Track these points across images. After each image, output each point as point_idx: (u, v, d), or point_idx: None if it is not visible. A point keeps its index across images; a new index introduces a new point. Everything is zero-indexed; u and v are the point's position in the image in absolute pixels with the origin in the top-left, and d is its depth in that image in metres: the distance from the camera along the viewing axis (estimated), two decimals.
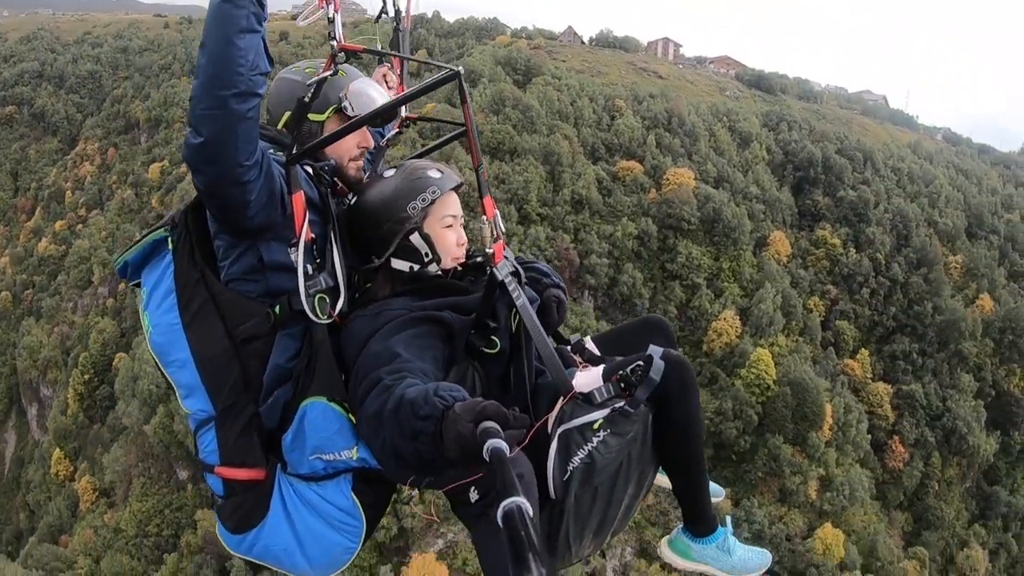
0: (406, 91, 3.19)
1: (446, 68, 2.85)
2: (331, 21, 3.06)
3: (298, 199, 2.83)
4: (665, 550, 3.35)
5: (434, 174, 2.94)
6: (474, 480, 2.64)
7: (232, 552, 3.01)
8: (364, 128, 3.15)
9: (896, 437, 71.38)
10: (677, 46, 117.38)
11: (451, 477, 2.67)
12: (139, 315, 3.04)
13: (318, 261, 2.86)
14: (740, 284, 72.36)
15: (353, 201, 3.00)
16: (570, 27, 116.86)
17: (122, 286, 76.36)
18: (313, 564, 2.89)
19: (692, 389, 2.99)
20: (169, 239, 2.90)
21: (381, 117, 3.32)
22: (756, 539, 48.06)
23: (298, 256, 2.81)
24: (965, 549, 70.15)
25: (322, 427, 2.73)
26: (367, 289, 3.02)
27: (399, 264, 2.94)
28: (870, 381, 73.77)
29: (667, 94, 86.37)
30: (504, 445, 1.82)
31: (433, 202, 2.92)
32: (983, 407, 74.96)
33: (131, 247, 3.00)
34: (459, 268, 3.08)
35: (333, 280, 2.84)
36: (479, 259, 3.04)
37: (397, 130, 3.62)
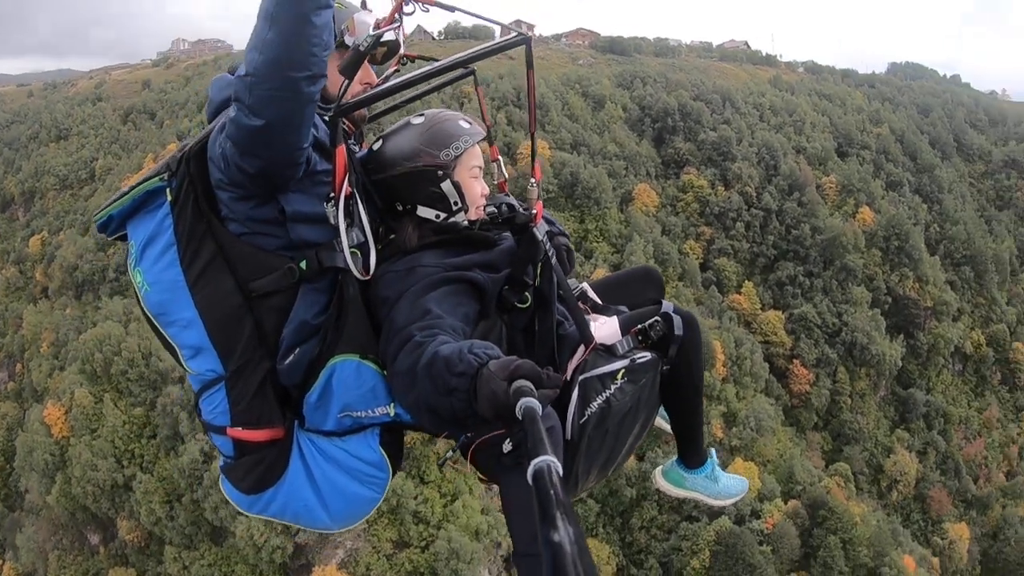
0: (471, 50, 3.05)
1: (516, 32, 2.90)
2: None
3: (341, 153, 2.78)
4: (660, 480, 3.76)
5: (464, 124, 2.98)
6: (509, 432, 2.75)
7: (243, 512, 3.02)
8: (367, 64, 3.02)
9: (796, 360, 73.82)
10: (530, 26, 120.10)
11: (487, 429, 2.76)
12: (129, 272, 2.91)
13: (349, 217, 2.80)
14: (609, 242, 74.50)
15: (378, 146, 3.00)
16: (419, 25, 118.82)
17: (19, 367, 74.64)
18: (335, 518, 2.90)
19: (700, 343, 3.35)
20: (168, 189, 2.75)
21: (433, 77, 3.08)
22: None
23: (339, 211, 2.76)
24: (891, 456, 72.79)
25: (354, 385, 2.72)
26: (392, 240, 2.97)
27: (426, 212, 2.94)
28: (760, 312, 76.20)
29: (515, 73, 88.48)
30: (537, 404, 1.87)
31: (464, 151, 2.95)
32: (880, 315, 78.11)
33: (118, 199, 2.87)
34: (483, 221, 3.09)
35: (363, 235, 2.79)
36: (513, 216, 3.09)
37: (395, 68, 3.44)
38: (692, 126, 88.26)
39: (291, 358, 2.75)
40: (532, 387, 1.98)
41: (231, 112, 2.53)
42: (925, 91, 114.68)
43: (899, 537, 60.88)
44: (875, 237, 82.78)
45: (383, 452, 2.83)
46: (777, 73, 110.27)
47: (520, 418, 1.85)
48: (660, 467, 3.78)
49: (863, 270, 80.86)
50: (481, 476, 3.06)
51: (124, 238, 2.96)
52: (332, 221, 2.78)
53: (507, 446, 2.78)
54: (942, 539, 67.19)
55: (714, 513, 54.05)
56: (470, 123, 3.00)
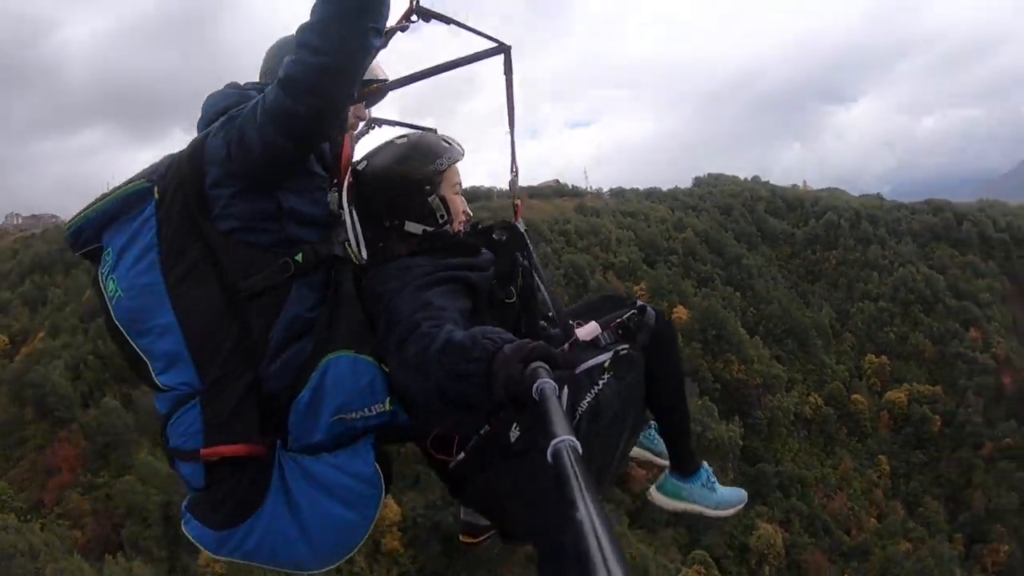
0: (453, 59, 3.32)
1: (495, 43, 3.23)
2: None
3: (347, 141, 3.01)
4: (656, 495, 3.72)
5: (446, 144, 3.17)
6: (518, 417, 2.83)
7: (212, 555, 2.86)
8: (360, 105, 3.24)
9: (633, 462, 76.12)
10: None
11: (492, 417, 2.87)
12: (99, 284, 2.84)
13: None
14: None
15: (363, 165, 3.12)
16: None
17: None
18: (317, 552, 2.79)
19: (676, 338, 3.55)
20: (155, 189, 2.79)
21: (418, 80, 3.38)
22: None
23: (343, 197, 2.90)
24: (754, 532, 75.73)
25: (351, 382, 2.69)
26: (380, 248, 3.05)
27: (413, 227, 3.08)
28: None
29: None
30: (553, 384, 1.92)
31: (448, 167, 3.14)
32: (711, 402, 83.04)
33: (97, 202, 2.87)
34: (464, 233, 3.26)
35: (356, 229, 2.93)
36: (491, 225, 3.31)
37: (366, 129, 3.57)
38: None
39: (281, 359, 2.69)
40: (548, 368, 2.06)
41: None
42: (726, 193, 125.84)
43: None
44: (692, 331, 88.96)
45: (377, 466, 2.76)
46: (582, 201, 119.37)
47: (536, 399, 1.89)
48: (654, 484, 3.78)
49: (687, 363, 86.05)
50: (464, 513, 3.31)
51: (92, 256, 2.93)
52: (334, 207, 2.93)
53: (515, 432, 2.86)
54: None
55: None
56: (450, 143, 3.18)
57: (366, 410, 2.74)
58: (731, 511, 3.75)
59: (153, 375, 2.78)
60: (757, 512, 78.28)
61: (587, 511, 1.23)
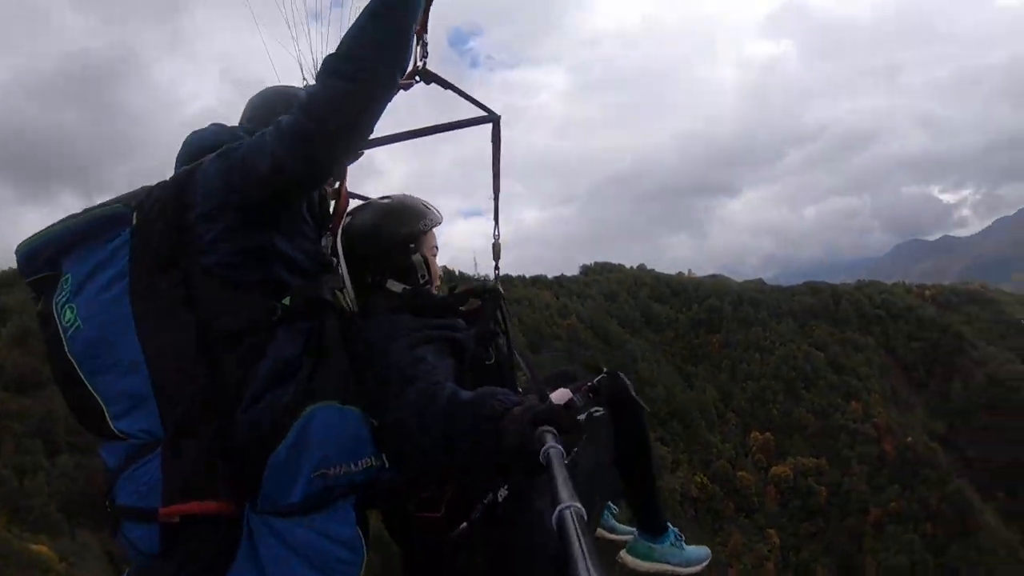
0: (442, 123, 3.44)
1: (486, 112, 3.35)
2: (421, 41, 3.19)
3: (344, 188, 3.07)
4: (628, 559, 3.82)
5: (426, 208, 3.24)
6: (510, 478, 2.79)
7: None
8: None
9: None
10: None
11: (483, 477, 2.84)
12: (52, 314, 2.57)
13: (336, 256, 2.95)
14: None
15: (346, 222, 3.15)
16: None
17: None
18: None
19: (640, 402, 3.62)
20: (133, 215, 2.63)
21: (411, 138, 3.57)
22: None
23: (337, 242, 2.94)
24: None
25: (336, 433, 2.53)
26: (360, 304, 3.07)
27: (394, 285, 3.14)
28: None
29: None
30: (560, 450, 1.95)
31: (429, 229, 3.24)
32: None
33: (61, 223, 2.68)
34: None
35: (343, 280, 2.98)
36: (469, 288, 3.41)
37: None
38: None
39: (258, 407, 2.48)
40: (555, 432, 2.08)
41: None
42: (612, 280, 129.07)
43: None
44: None
45: (358, 529, 2.58)
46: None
47: (544, 463, 1.92)
48: (623, 549, 3.88)
49: None
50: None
51: (42, 284, 2.67)
52: (326, 252, 2.95)
53: (503, 492, 2.81)
54: None
55: None
56: (430, 207, 3.25)
57: (351, 465, 2.56)
58: (699, 567, 3.88)
59: (109, 420, 2.51)
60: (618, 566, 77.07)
61: None
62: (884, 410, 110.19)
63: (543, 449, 1.96)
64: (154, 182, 2.79)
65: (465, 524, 2.84)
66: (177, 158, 2.95)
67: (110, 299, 2.53)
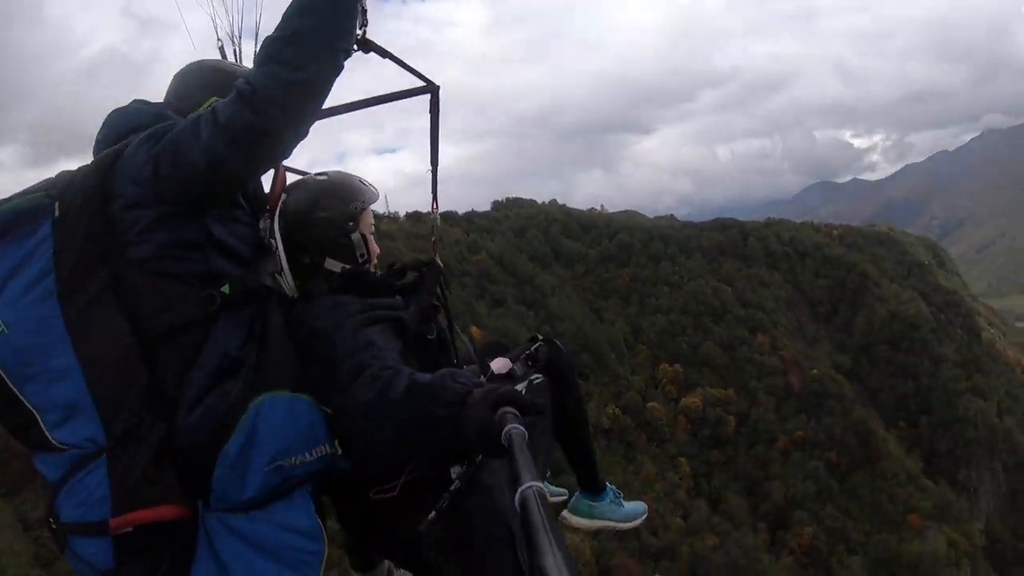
0: (382, 94, 3.39)
1: (425, 82, 3.30)
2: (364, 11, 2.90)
3: (282, 169, 2.87)
4: (571, 518, 3.96)
5: (364, 183, 3.13)
6: (471, 460, 2.78)
7: None
8: None
9: None
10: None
11: (441, 459, 2.77)
12: None
13: (274, 239, 2.79)
14: None
15: (281, 203, 2.99)
16: None
17: None
18: None
19: (576, 366, 3.74)
20: (55, 205, 2.39)
21: (348, 112, 3.43)
22: None
23: (275, 226, 2.75)
24: None
25: (289, 424, 2.44)
26: (298, 286, 2.92)
27: (333, 265, 3.03)
28: None
29: None
30: (523, 430, 1.93)
31: (366, 207, 3.11)
32: None
33: None
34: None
35: (282, 263, 2.79)
36: (406, 264, 3.27)
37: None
38: None
39: (203, 405, 2.38)
40: (517, 414, 2.07)
41: (242, 84, 2.37)
42: (523, 216, 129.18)
43: None
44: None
45: (318, 518, 2.54)
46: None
47: (506, 445, 1.93)
48: (565, 509, 4.00)
49: None
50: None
51: None
52: (264, 236, 2.79)
53: (455, 470, 2.83)
54: None
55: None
56: (367, 185, 3.17)
57: (307, 454, 2.48)
58: (639, 521, 4.04)
59: (45, 431, 2.32)
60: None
61: (555, 560, 1.28)
62: (790, 343, 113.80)
63: (504, 431, 1.97)
64: (74, 165, 2.59)
65: (434, 514, 2.73)
66: (97, 139, 2.72)
67: (35, 300, 2.33)
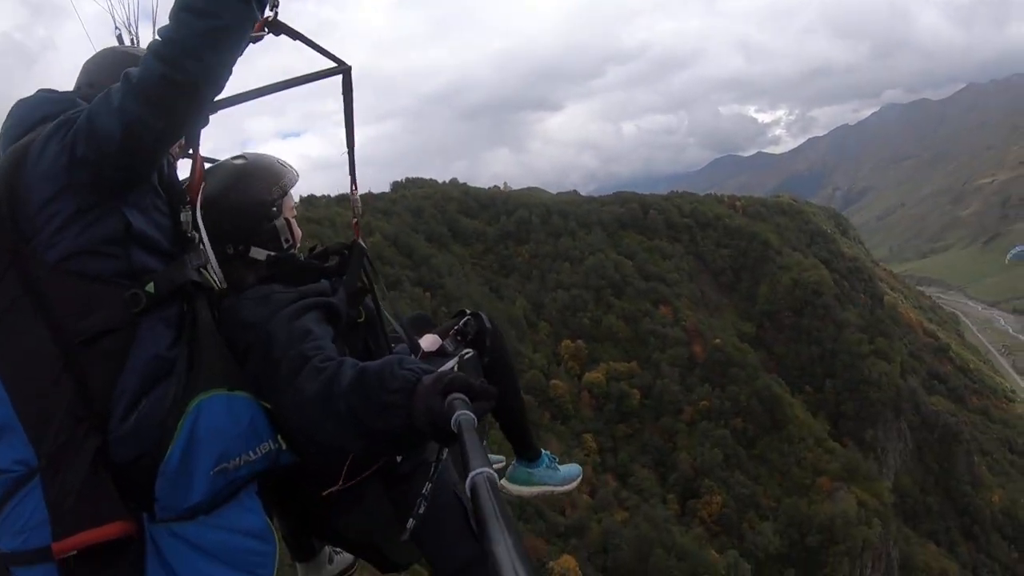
0: (293, 77, 3.28)
1: (337, 62, 3.22)
2: None
3: (199, 158, 2.71)
4: (510, 486, 4.08)
5: (284, 166, 3.04)
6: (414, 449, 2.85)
7: None
8: None
9: None
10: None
11: (387, 448, 2.72)
12: None
13: (197, 231, 2.64)
14: None
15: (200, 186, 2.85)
16: None
17: None
18: None
19: (504, 338, 3.83)
20: None
21: (258, 97, 3.18)
22: None
23: (196, 216, 2.63)
24: None
25: (230, 424, 2.37)
26: (227, 279, 2.84)
27: (258, 253, 2.93)
28: None
29: None
30: (472, 416, 1.96)
31: (288, 191, 3.03)
32: None
33: None
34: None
35: (207, 254, 2.69)
36: (328, 247, 3.24)
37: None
38: None
39: (137, 413, 2.25)
40: (467, 400, 2.07)
41: (155, 41, 2.26)
42: (419, 196, 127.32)
43: None
44: None
45: (267, 518, 2.47)
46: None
47: (456, 431, 1.94)
48: (504, 477, 4.07)
49: None
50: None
51: None
52: (187, 228, 2.62)
53: (402, 463, 2.89)
54: None
55: None
56: (286, 166, 3.06)
57: (251, 453, 2.42)
58: (574, 484, 4.21)
59: None
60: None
61: (506, 545, 1.29)
62: (693, 314, 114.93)
63: (453, 417, 2.00)
64: None
65: (422, 504, 2.69)
66: (3, 133, 2.64)
67: None
